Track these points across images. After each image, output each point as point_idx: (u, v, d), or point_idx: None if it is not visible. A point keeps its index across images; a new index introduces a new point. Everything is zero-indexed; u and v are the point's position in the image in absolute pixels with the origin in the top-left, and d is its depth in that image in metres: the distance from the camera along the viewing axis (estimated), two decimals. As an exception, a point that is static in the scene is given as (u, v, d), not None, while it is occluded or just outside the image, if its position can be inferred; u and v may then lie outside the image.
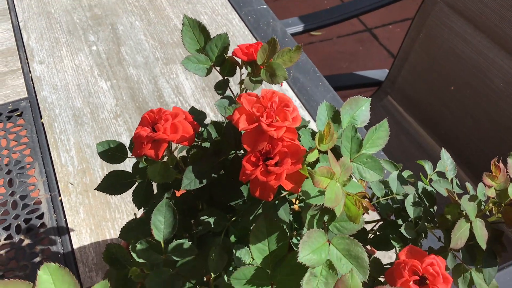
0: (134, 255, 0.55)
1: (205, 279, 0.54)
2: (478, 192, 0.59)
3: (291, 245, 0.56)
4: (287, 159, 0.48)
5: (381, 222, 0.65)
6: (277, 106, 0.50)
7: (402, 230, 0.58)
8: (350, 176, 0.51)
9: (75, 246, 0.94)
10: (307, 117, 1.17)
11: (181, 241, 0.53)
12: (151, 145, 0.54)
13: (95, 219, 0.98)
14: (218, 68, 0.63)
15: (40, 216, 0.98)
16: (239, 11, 1.43)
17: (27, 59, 1.31)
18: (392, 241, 0.62)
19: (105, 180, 0.59)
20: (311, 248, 0.45)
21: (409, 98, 1.93)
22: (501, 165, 0.57)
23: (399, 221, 0.64)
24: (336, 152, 0.53)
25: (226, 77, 0.63)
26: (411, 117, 1.94)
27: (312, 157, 0.47)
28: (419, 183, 0.64)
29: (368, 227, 0.66)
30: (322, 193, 0.48)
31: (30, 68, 1.29)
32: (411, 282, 0.55)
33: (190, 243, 0.54)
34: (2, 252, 0.93)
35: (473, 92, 1.55)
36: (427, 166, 0.66)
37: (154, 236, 0.53)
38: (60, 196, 1.02)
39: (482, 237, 0.56)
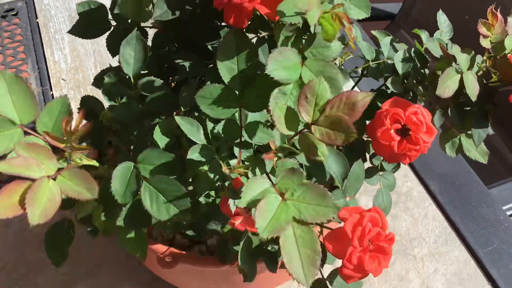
0: (106, 99, 0.53)
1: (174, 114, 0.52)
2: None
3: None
4: (262, -23, 0.44)
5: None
6: None
7: (388, 83, 0.55)
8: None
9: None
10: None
11: (153, 78, 0.51)
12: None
13: (86, 111, 0.96)
14: None
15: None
16: None
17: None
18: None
19: (78, 22, 0.56)
20: (282, 65, 0.42)
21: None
22: (499, 14, 0.54)
23: (388, 91, 0.61)
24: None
25: None
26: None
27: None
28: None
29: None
30: (298, 13, 0.44)
31: (29, -27, 1.26)
32: (392, 131, 0.52)
33: (162, 81, 0.51)
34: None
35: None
36: (423, 35, 0.62)
37: (124, 69, 0.50)
38: (51, 90, 1.00)
39: (472, 89, 0.52)
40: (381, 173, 0.59)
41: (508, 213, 0.88)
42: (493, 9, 0.53)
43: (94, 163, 0.44)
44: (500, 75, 0.54)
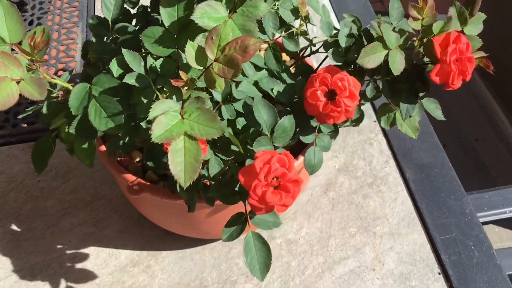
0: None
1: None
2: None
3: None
4: None
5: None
6: None
7: (329, 53, 0.63)
8: None
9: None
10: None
11: (127, 24, 0.62)
12: None
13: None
14: None
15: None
16: None
17: None
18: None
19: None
20: (209, 15, 0.51)
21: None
22: (430, 0, 0.60)
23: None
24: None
25: None
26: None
27: None
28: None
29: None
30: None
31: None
32: (319, 92, 0.60)
33: (134, 27, 0.62)
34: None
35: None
36: (383, 18, 0.69)
37: (104, 14, 0.62)
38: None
39: (396, 65, 0.59)
40: (318, 134, 0.66)
41: (482, 220, 0.92)
42: (423, -6, 0.59)
43: (58, 80, 0.55)
44: (426, 55, 0.60)
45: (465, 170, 1.61)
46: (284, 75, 0.66)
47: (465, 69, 0.59)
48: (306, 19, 0.69)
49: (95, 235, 0.88)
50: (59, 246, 0.87)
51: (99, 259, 0.86)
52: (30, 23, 1.24)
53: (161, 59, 0.55)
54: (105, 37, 0.62)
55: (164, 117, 0.47)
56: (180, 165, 0.46)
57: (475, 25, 0.63)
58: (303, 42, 0.70)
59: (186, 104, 0.49)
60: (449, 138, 1.67)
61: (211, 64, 0.48)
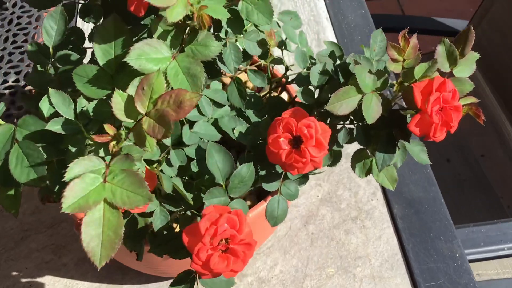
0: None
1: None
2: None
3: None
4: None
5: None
6: None
7: (298, 93, 0.55)
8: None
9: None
10: (331, 36, 1.12)
11: (70, 52, 0.55)
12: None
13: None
14: None
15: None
16: None
17: None
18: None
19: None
20: (148, 56, 0.44)
21: (485, 55, 1.77)
22: (413, 40, 0.52)
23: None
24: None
25: None
26: (484, 79, 1.78)
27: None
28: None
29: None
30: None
31: None
32: (282, 139, 0.52)
33: (78, 56, 0.55)
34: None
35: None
36: (366, 50, 0.61)
37: (44, 40, 0.55)
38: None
39: (371, 112, 0.51)
40: (284, 181, 0.59)
41: (469, 257, 0.84)
42: (406, 34, 0.51)
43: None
44: (405, 102, 0.52)
45: (468, 188, 1.52)
46: (249, 113, 0.59)
47: (449, 120, 0.51)
48: (282, 45, 0.62)
49: (53, 263, 0.82)
50: (14, 273, 0.82)
51: (55, 290, 0.80)
52: (10, 22, 1.17)
53: (95, 102, 0.47)
54: (46, 67, 0.55)
55: (81, 181, 0.39)
56: (95, 239, 0.39)
57: (467, 66, 0.55)
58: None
59: (112, 162, 0.42)
60: (453, 153, 1.59)
61: (141, 118, 0.41)
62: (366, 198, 0.88)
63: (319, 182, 0.90)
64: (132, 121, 0.42)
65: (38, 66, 0.55)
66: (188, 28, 0.46)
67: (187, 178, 0.58)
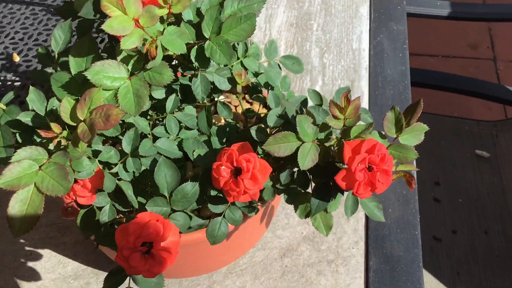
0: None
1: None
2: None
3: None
4: None
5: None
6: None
7: (252, 131, 0.61)
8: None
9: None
10: (365, 85, 1.15)
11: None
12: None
13: None
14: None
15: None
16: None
17: None
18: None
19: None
20: (104, 73, 0.52)
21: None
22: (356, 101, 0.56)
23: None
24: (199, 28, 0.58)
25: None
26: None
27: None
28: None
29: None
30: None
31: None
32: (223, 167, 0.58)
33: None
34: None
35: None
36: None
37: (52, 46, 0.65)
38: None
39: (306, 160, 0.56)
40: (230, 205, 0.64)
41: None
42: (348, 95, 0.55)
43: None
44: (337, 155, 0.56)
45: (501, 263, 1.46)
46: (214, 140, 0.65)
47: (374, 181, 0.54)
48: (268, 86, 0.68)
49: (55, 239, 0.93)
50: (21, 240, 0.93)
51: (49, 263, 0.90)
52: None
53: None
54: (49, 68, 0.65)
55: (18, 165, 0.48)
56: (18, 214, 0.47)
57: (414, 136, 0.58)
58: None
59: (53, 156, 0.50)
60: (459, 224, 1.53)
61: (79, 123, 0.49)
62: (348, 245, 0.90)
63: (308, 220, 0.94)
64: (75, 124, 0.50)
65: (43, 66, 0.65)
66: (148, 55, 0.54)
67: (149, 184, 0.65)
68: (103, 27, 0.50)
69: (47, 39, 1.29)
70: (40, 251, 0.91)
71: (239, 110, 0.77)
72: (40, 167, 0.49)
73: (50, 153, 0.50)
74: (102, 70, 0.52)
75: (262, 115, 0.72)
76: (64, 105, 0.50)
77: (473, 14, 1.61)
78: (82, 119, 0.49)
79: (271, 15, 1.35)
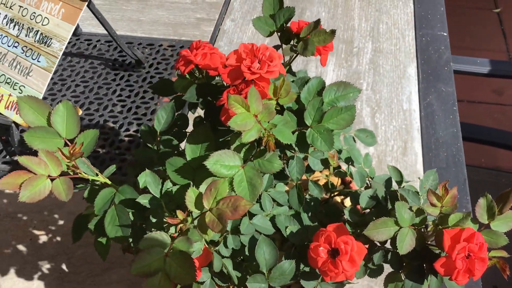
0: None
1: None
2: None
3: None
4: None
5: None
6: (263, 57, 0.61)
7: (346, 211, 0.64)
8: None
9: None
10: (418, 147, 1.19)
11: (172, 138, 0.69)
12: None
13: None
14: (278, 34, 0.75)
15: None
16: (418, 30, 1.48)
17: (224, 14, 1.57)
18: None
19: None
20: (221, 162, 0.56)
21: None
22: (453, 191, 0.59)
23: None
24: (301, 116, 0.62)
25: (281, 44, 0.75)
26: None
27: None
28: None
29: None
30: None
31: (222, 22, 1.55)
32: (321, 248, 0.61)
33: (177, 142, 0.69)
34: None
35: None
36: (420, 183, 0.68)
37: (154, 125, 0.69)
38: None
39: (404, 245, 0.59)
40: (321, 282, 0.67)
41: None
42: (446, 185, 0.58)
43: (100, 177, 0.63)
44: (435, 243, 0.59)
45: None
46: (304, 216, 0.68)
47: (473, 269, 0.57)
48: (349, 161, 0.71)
49: (125, 297, 0.95)
50: (94, 296, 0.96)
51: (120, 321, 0.92)
52: (144, 79, 1.37)
53: (177, 186, 0.60)
54: (151, 145, 0.69)
55: (147, 253, 0.51)
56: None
57: (504, 222, 0.61)
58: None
59: (176, 240, 0.53)
60: None
61: (206, 212, 0.53)
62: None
63: (371, 284, 0.96)
64: (199, 212, 0.53)
65: (146, 143, 0.69)
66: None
67: (241, 258, 0.68)
68: (229, 123, 0.54)
69: (107, 93, 1.34)
70: (111, 308, 0.94)
71: (321, 183, 0.80)
72: (166, 253, 0.52)
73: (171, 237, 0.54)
74: (219, 159, 0.56)
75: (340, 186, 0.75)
76: (189, 194, 0.53)
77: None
78: (207, 208, 0.52)
79: (320, 73, 1.39)
